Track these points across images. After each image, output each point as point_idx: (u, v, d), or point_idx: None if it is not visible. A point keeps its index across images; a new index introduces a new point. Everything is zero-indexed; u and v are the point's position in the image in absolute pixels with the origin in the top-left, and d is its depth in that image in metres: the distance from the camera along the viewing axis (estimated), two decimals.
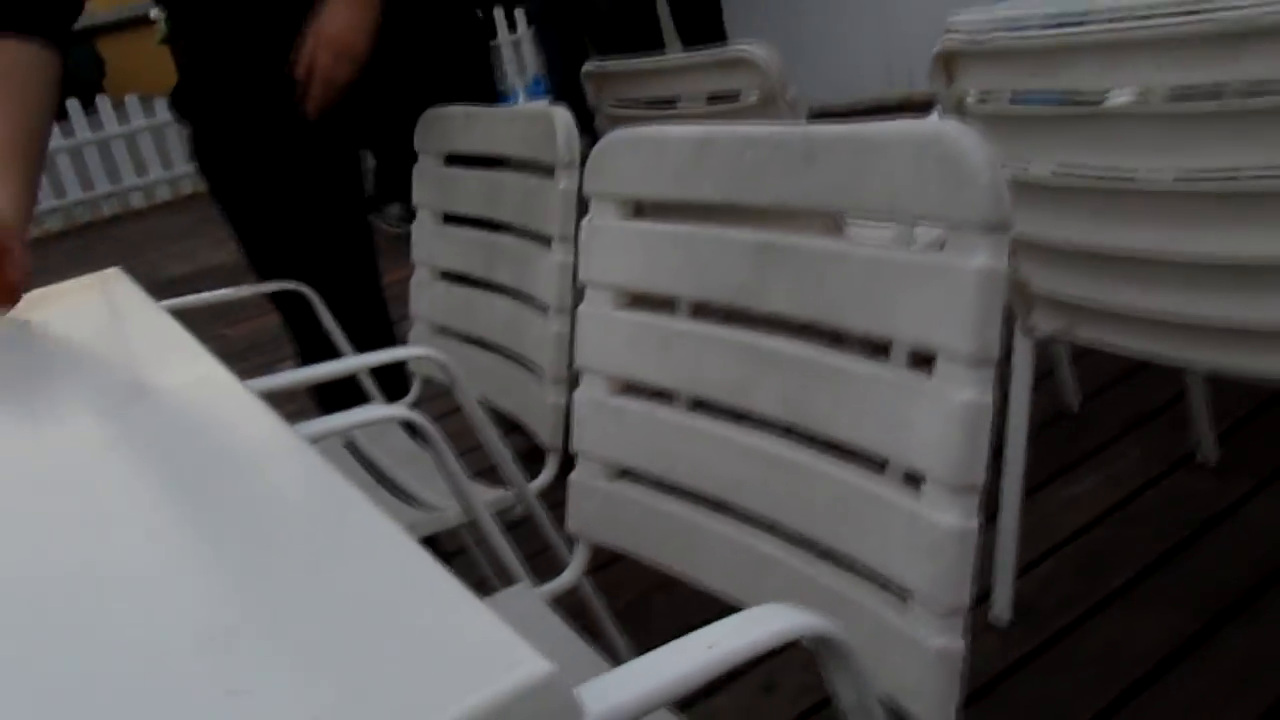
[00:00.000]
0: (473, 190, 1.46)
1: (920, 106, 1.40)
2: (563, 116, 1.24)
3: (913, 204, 0.74)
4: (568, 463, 1.12)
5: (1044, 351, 1.92)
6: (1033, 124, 1.29)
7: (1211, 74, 1.08)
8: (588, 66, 1.87)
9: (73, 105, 7.28)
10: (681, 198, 0.92)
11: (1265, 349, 1.20)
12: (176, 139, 7.63)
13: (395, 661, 0.40)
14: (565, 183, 1.23)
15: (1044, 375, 2.03)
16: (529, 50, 8.17)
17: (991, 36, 1.22)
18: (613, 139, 0.99)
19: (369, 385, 1.61)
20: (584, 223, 1.02)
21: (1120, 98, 1.25)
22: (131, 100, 7.50)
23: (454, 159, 1.53)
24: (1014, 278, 1.46)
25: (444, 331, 1.57)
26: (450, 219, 1.55)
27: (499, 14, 8.92)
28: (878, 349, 0.85)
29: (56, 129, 7.29)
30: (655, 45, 4.78)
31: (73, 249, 6.51)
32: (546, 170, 1.29)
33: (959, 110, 1.33)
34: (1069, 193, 1.30)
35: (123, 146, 7.50)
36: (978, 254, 0.69)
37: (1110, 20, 1.14)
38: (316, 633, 0.43)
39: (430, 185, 1.56)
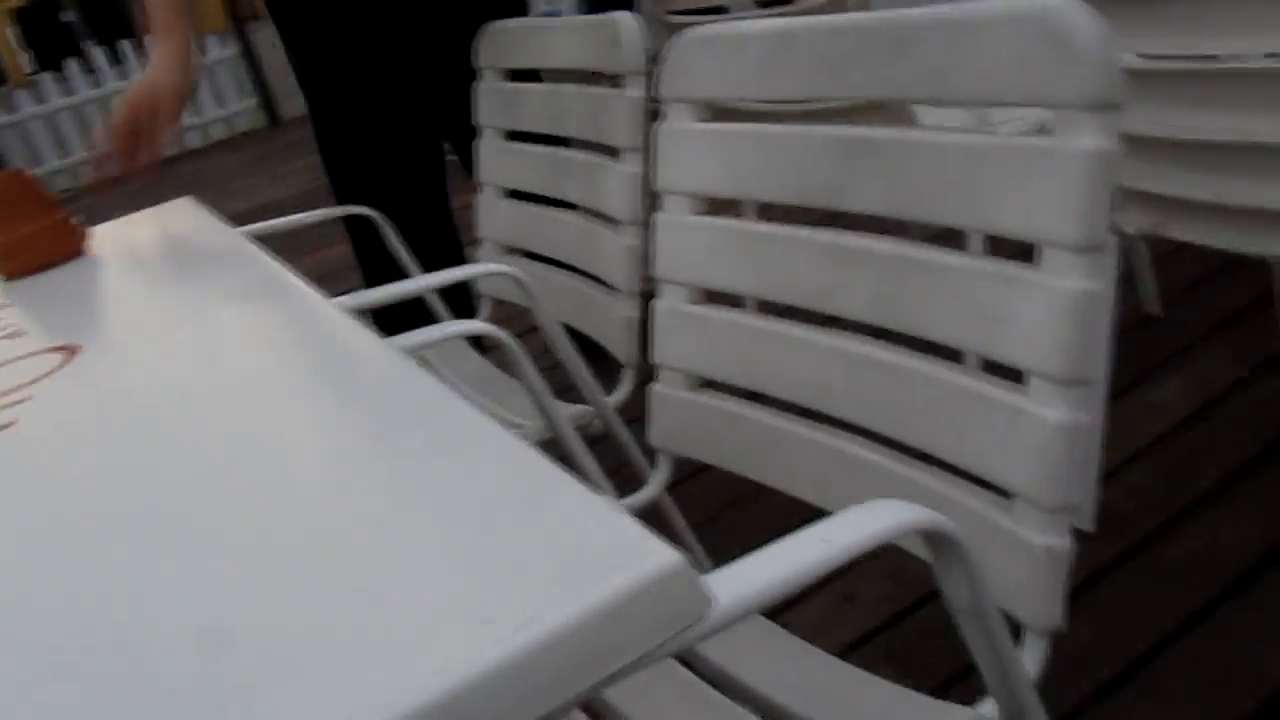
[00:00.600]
0: (537, 105, 1.44)
1: None
2: (628, 23, 1.20)
3: (1017, 87, 0.71)
4: (644, 379, 1.11)
5: (1124, 253, 1.86)
6: (1117, 7, 1.23)
7: None
8: None
9: (123, 48, 7.32)
10: (763, 96, 0.89)
11: None
12: (229, 76, 7.65)
13: (533, 552, 0.39)
14: (633, 91, 1.20)
15: (1124, 278, 1.98)
16: None
17: None
18: (688, 37, 0.96)
19: (438, 307, 1.61)
20: (658, 128, 0.99)
21: None
22: None
23: (517, 75, 1.50)
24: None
25: (513, 251, 1.55)
26: (514, 135, 1.52)
27: None
28: (977, 246, 0.82)
29: (118, 71, 7.35)
30: None
31: (134, 190, 6.60)
32: (611, 80, 1.26)
33: None
34: (1156, 79, 1.25)
35: None
36: (1087, 134, 0.66)
37: None
38: (456, 527, 0.43)
39: (493, 102, 1.53)
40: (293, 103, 8.18)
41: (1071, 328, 0.68)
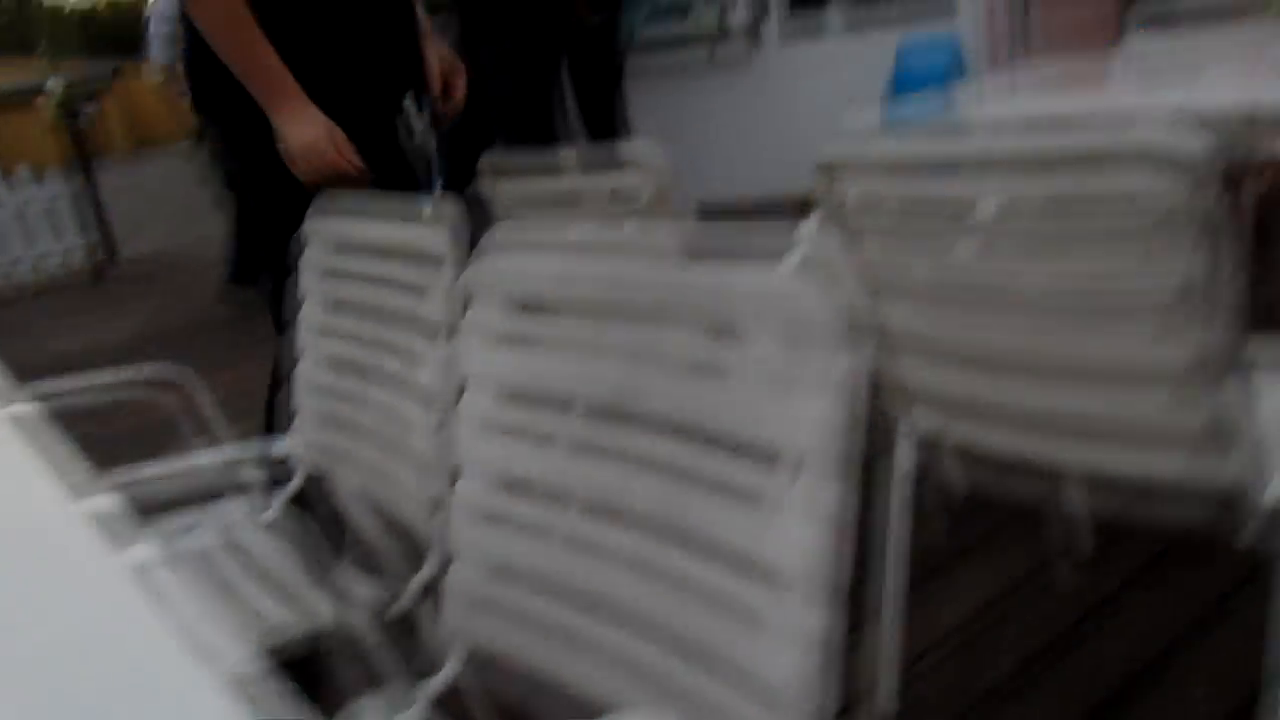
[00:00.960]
0: (360, 280, 1.45)
1: (804, 207, 1.45)
2: (453, 211, 1.25)
3: (781, 311, 0.76)
4: (448, 560, 1.10)
5: (921, 447, 1.97)
6: (912, 229, 1.34)
7: (1072, 188, 1.15)
8: (486, 159, 1.89)
9: None
10: (563, 296, 0.93)
11: (1125, 448, 1.25)
12: (68, 211, 7.43)
13: None
14: (453, 277, 1.23)
15: (921, 470, 2.08)
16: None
17: (872, 145, 1.27)
18: (496, 238, 1.00)
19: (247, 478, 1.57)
20: (466, 318, 1.02)
21: (992, 207, 1.31)
22: (26, 173, 7.30)
23: (345, 247, 1.52)
24: (893, 376, 1.50)
25: (326, 421, 1.53)
26: (338, 305, 1.53)
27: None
28: (746, 452, 0.86)
29: None
30: (555, 137, 4.86)
31: None
32: (435, 263, 1.29)
33: (840, 214, 1.37)
34: (945, 295, 1.35)
35: (12, 218, 7.27)
36: (836, 360, 0.71)
37: (984, 136, 1.20)
38: None
39: (319, 273, 1.54)
40: (131, 244, 7.99)
41: (825, 539, 0.71)
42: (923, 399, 1.49)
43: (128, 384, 1.57)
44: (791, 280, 0.75)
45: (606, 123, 5.36)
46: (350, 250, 1.51)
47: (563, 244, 0.94)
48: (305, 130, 1.73)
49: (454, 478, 1.05)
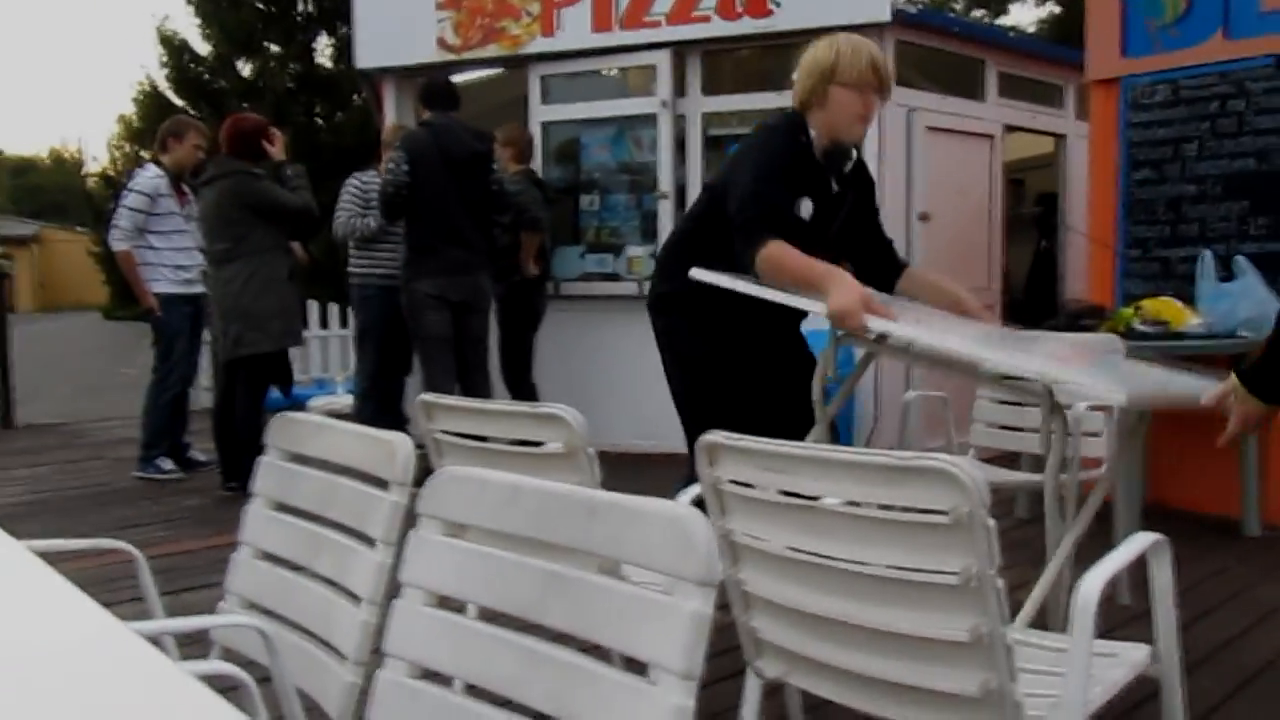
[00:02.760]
0: (310, 487, 1.70)
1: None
2: (404, 444, 1.53)
3: (658, 558, 1.06)
4: None
5: (769, 691, 2.20)
6: (770, 509, 1.67)
7: (885, 496, 1.50)
8: (423, 396, 2.20)
9: None
10: (497, 529, 1.21)
11: (920, 706, 1.55)
12: None
13: None
14: (397, 497, 1.50)
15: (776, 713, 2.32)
16: (351, 350, 8.53)
17: (744, 440, 1.62)
18: (444, 475, 1.29)
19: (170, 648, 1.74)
20: (411, 534, 1.29)
21: (832, 499, 1.65)
22: None
23: (299, 458, 1.78)
24: (747, 627, 1.79)
25: (253, 607, 1.74)
26: (282, 507, 1.77)
27: (333, 308, 9.35)
28: (626, 661, 1.13)
29: None
30: (482, 381, 5.21)
31: None
32: (378, 482, 1.56)
33: (716, 490, 1.70)
34: (791, 564, 1.67)
35: None
36: (694, 600, 1.00)
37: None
38: None
39: (273, 476, 1.79)
40: (31, 408, 7.95)
41: None
42: (770, 648, 1.77)
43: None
44: (672, 534, 1.04)
45: (523, 361, 5.75)
46: (302, 460, 1.76)
47: (498, 484, 1.23)
48: (848, 293, 2.39)
49: (376, 667, 1.28)
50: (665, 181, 5.97)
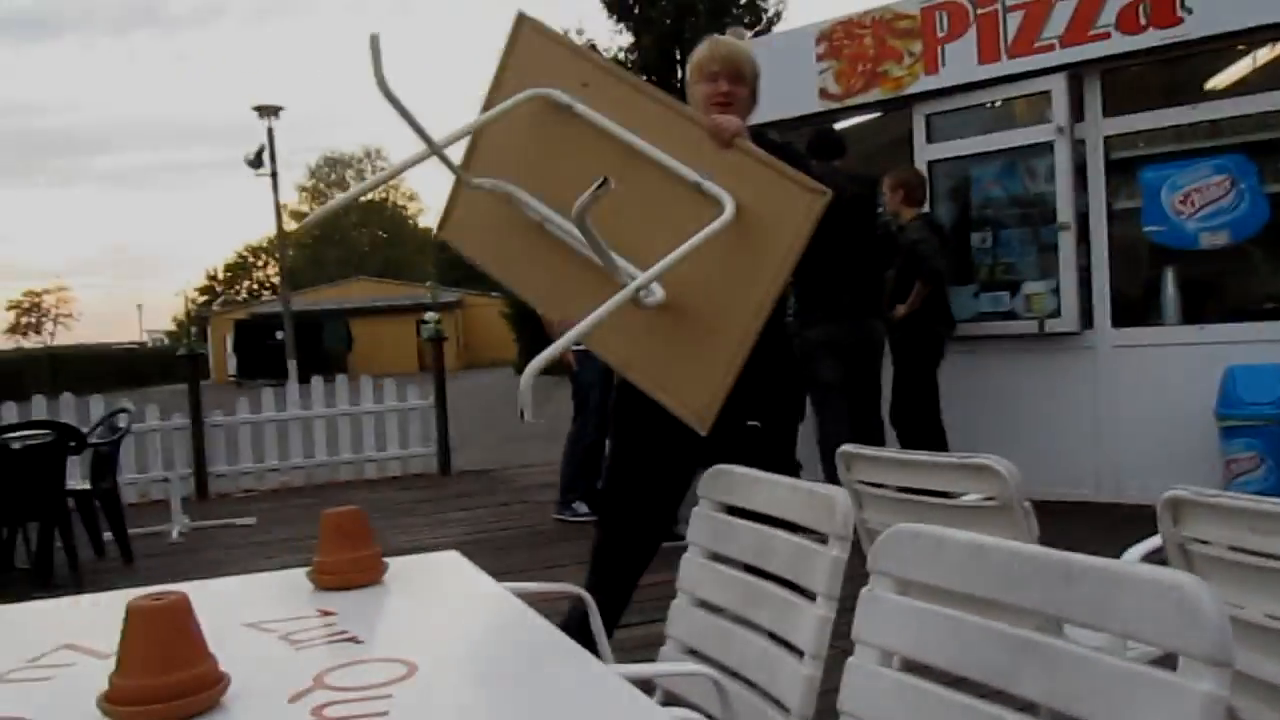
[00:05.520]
0: (745, 539, 1.75)
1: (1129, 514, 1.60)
2: (843, 498, 1.53)
3: (1152, 629, 0.96)
4: None
5: None
6: (1250, 573, 1.48)
7: None
8: (845, 447, 2.19)
9: (324, 380, 8.33)
10: (956, 589, 1.17)
11: None
12: (418, 422, 8.48)
13: None
14: (837, 551, 1.50)
15: None
16: None
17: (1218, 496, 1.45)
18: (898, 532, 1.26)
19: None
20: (864, 591, 1.28)
21: None
22: (389, 383, 8.48)
23: (731, 509, 1.84)
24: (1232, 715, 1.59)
25: (693, 652, 1.81)
26: (717, 558, 1.83)
27: None
28: None
29: (310, 396, 8.27)
30: (876, 425, 5.15)
31: (309, 503, 7.19)
32: (818, 537, 1.56)
33: (1182, 550, 1.54)
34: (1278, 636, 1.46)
35: (372, 420, 8.41)
36: (1205, 681, 0.90)
37: None
38: None
39: (706, 527, 1.86)
40: (463, 456, 8.92)
41: None
42: None
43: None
44: (1171, 604, 0.95)
45: (924, 403, 5.59)
46: (736, 512, 1.82)
47: (957, 543, 1.19)
48: None
49: None
50: (1065, 212, 5.60)
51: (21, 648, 1.26)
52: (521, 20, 2.56)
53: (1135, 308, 5.75)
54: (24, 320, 57.15)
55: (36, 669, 1.19)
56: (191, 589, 1.05)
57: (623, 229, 2.25)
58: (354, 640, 1.23)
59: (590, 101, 2.43)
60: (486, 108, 2.51)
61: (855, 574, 1.48)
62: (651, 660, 1.87)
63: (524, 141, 2.51)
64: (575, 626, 1.94)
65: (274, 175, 24.68)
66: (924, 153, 6.12)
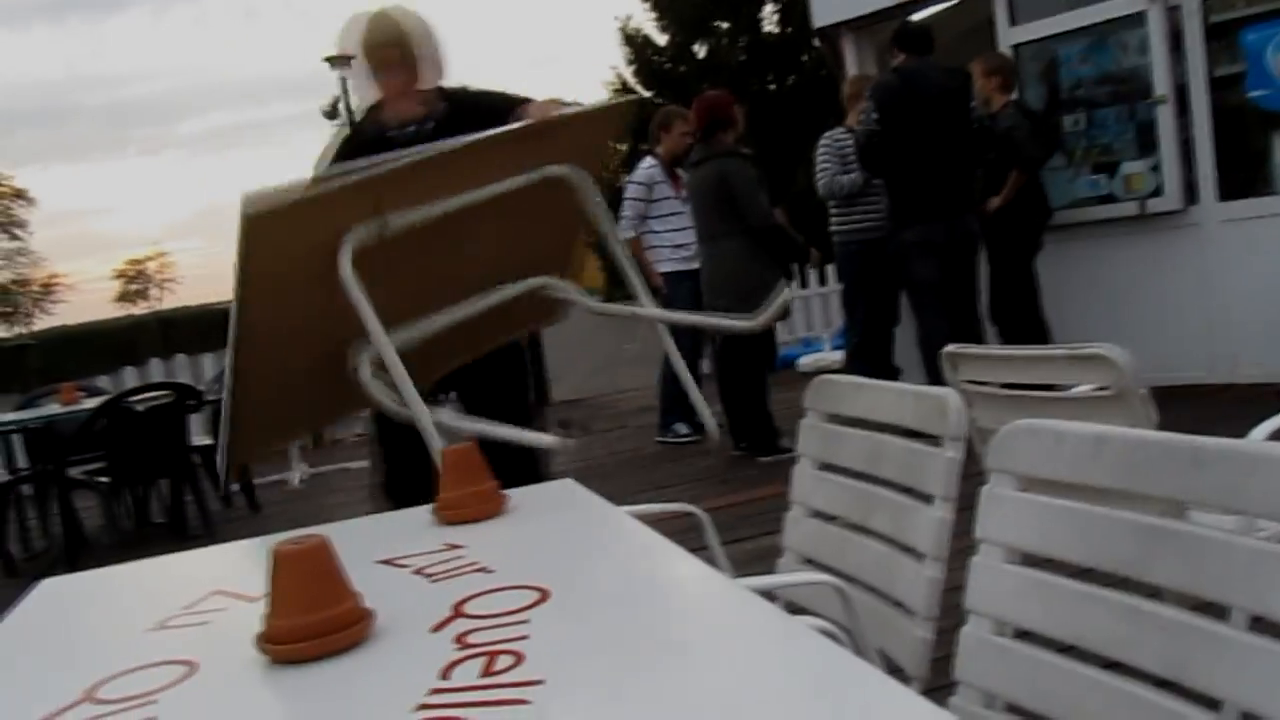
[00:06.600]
0: (856, 447, 1.75)
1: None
2: (954, 399, 1.51)
3: None
4: (925, 691, 1.32)
5: None
6: None
7: None
8: (950, 347, 2.16)
9: None
10: (1078, 482, 1.16)
11: None
12: None
13: None
14: (952, 452, 1.49)
15: None
16: (835, 305, 8.69)
17: None
18: (1017, 427, 1.25)
19: None
20: (985, 489, 1.27)
21: None
22: None
23: (837, 419, 1.83)
24: None
25: (810, 562, 1.82)
26: (827, 467, 1.83)
27: (809, 270, 9.57)
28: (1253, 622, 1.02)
29: None
30: (976, 322, 5.04)
31: None
32: (930, 439, 1.55)
33: None
34: None
35: None
36: None
37: None
38: None
39: (815, 438, 1.86)
40: (557, 386, 9.00)
41: None
42: None
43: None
44: None
45: (1021, 318, 5.45)
46: (843, 421, 1.81)
47: (1079, 435, 1.17)
48: None
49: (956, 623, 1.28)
50: (1162, 84, 5.35)
51: (176, 596, 1.33)
52: (249, 219, 1.77)
53: (1242, 179, 5.48)
54: (131, 288, 59.27)
55: (194, 614, 1.26)
56: (324, 531, 1.09)
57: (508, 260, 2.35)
58: (485, 570, 1.27)
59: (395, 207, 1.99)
60: (244, 324, 1.92)
61: (965, 473, 1.48)
62: (767, 573, 1.90)
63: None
64: None
65: (351, 125, 24.90)
66: (1007, 36, 5.88)
